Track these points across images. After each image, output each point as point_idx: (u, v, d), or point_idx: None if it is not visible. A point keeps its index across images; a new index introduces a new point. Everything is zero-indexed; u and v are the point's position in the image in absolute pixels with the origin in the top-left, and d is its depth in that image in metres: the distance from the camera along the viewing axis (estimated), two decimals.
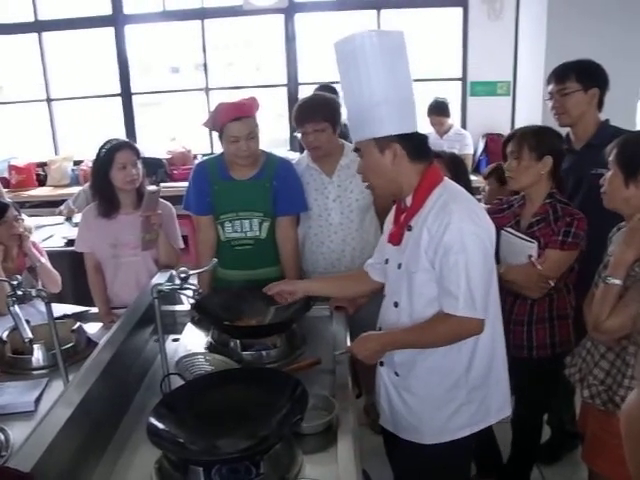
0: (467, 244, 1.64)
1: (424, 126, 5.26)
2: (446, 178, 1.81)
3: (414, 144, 1.75)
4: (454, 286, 1.66)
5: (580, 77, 2.51)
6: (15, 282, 1.81)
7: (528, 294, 2.23)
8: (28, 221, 2.88)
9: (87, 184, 4.13)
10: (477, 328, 1.70)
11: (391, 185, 1.80)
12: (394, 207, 1.90)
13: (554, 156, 2.21)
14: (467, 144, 5.47)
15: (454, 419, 1.80)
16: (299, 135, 2.67)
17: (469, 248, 1.64)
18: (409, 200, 1.78)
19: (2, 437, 1.63)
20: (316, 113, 2.58)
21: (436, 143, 4.74)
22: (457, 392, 1.79)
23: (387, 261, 1.90)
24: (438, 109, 5.26)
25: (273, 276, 2.65)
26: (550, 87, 2.60)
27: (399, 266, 1.81)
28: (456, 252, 1.64)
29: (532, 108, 4.79)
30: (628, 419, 0.62)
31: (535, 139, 2.21)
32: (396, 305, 1.83)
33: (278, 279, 2.63)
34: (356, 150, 1.83)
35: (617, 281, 1.76)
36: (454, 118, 5.64)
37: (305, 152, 2.78)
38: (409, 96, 1.75)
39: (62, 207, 4.33)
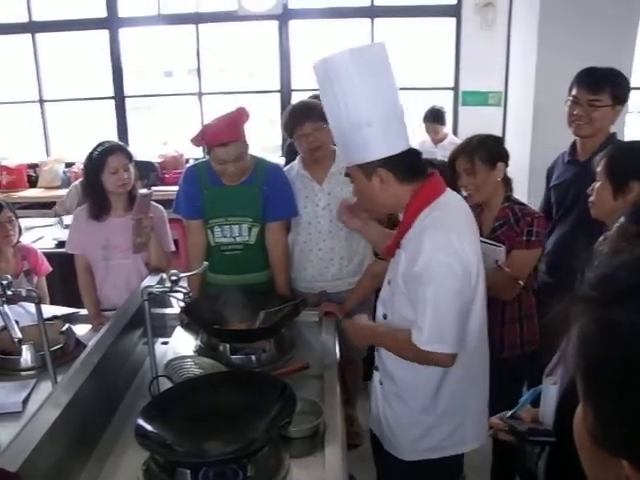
0: (436, 275, 1.56)
1: (419, 133, 5.30)
2: (444, 194, 1.69)
3: (403, 165, 1.64)
4: (421, 318, 1.60)
5: (614, 93, 2.43)
6: (5, 282, 1.81)
7: (501, 297, 2.25)
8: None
9: (79, 180, 4.11)
10: (445, 361, 1.63)
11: (383, 209, 1.82)
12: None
13: (504, 160, 2.25)
14: None
15: (423, 441, 1.78)
16: (290, 140, 2.66)
17: (438, 279, 1.56)
18: (402, 217, 1.73)
19: None
20: (312, 113, 2.56)
21: (430, 151, 4.76)
22: (425, 417, 1.77)
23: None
24: (434, 117, 5.27)
25: (262, 281, 2.66)
26: (577, 92, 2.48)
27: (389, 282, 1.79)
28: (424, 283, 1.57)
29: (523, 119, 4.83)
30: (575, 433, 0.65)
31: (484, 150, 2.22)
32: (385, 317, 1.81)
33: (266, 284, 2.66)
34: (347, 175, 1.78)
35: None
36: (448, 127, 5.66)
37: (297, 159, 2.78)
38: (395, 113, 1.65)
39: (56, 206, 4.32)
